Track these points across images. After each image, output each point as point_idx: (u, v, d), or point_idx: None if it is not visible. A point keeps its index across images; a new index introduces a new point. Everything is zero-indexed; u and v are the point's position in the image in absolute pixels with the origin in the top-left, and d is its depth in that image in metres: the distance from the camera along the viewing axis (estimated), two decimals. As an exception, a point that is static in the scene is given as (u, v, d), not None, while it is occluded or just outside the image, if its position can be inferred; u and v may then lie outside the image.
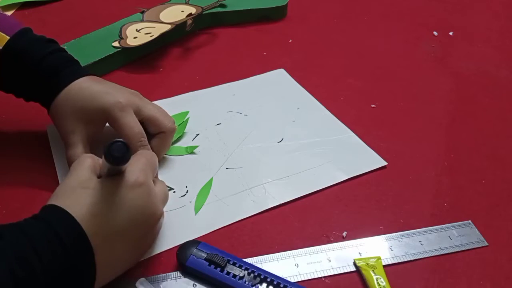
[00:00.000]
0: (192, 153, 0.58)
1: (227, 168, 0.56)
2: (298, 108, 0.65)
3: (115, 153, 0.39)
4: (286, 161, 0.57)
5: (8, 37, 0.54)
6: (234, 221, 0.50)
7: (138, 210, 0.42)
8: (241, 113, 0.64)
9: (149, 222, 0.44)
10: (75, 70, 0.54)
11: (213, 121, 0.63)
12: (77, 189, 0.41)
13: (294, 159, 0.57)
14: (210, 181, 0.54)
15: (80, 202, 0.40)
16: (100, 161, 0.45)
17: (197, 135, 0.61)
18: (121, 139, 0.39)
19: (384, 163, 0.56)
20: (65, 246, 0.37)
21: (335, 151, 0.58)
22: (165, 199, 0.47)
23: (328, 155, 0.58)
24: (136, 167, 0.43)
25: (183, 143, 0.60)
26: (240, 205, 0.52)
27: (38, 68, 0.53)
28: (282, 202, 0.52)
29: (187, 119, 0.63)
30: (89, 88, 0.53)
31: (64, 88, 0.53)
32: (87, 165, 0.43)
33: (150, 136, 0.55)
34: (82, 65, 0.57)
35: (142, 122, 0.53)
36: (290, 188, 0.54)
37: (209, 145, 0.59)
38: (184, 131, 0.61)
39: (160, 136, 0.55)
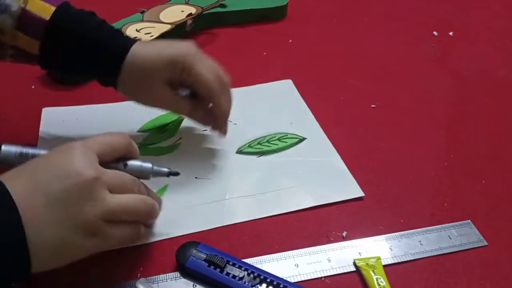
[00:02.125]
0: (171, 152, 0.58)
1: (196, 178, 0.55)
2: (291, 123, 0.63)
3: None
4: (258, 178, 0.55)
5: (53, 7, 0.51)
6: (181, 234, 0.48)
7: (60, 167, 0.38)
8: (231, 122, 0.61)
9: (74, 181, 0.38)
10: (125, 38, 0.53)
11: (201, 126, 0.62)
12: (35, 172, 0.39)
13: (267, 177, 0.55)
14: (164, 188, 0.53)
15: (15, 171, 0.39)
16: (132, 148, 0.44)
17: (180, 138, 0.60)
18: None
19: (361, 194, 0.53)
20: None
21: (313, 174, 0.55)
22: (90, 163, 0.40)
23: (304, 177, 0.55)
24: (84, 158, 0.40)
25: (164, 144, 0.59)
26: (192, 218, 0.50)
27: (93, 38, 0.51)
28: (238, 221, 0.50)
29: (181, 118, 0.62)
30: (150, 48, 0.52)
31: (125, 57, 0.51)
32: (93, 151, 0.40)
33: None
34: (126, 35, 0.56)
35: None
36: (251, 208, 0.51)
37: (187, 151, 0.58)
38: (179, 129, 0.61)
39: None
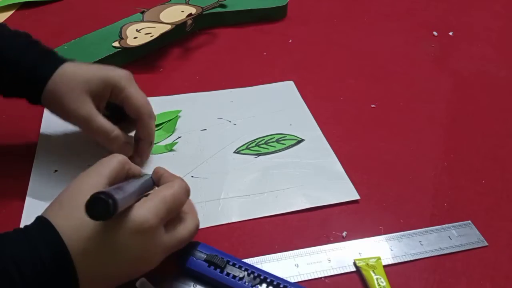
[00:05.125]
0: (171, 150, 0.58)
1: (192, 176, 0.55)
2: (290, 125, 0.62)
3: (92, 211, 0.35)
4: (255, 178, 0.55)
5: None
6: None
7: (134, 256, 0.39)
8: (230, 122, 0.62)
9: (143, 268, 0.41)
10: (58, 57, 0.53)
11: (200, 125, 0.62)
12: (79, 212, 0.36)
13: (264, 177, 0.55)
14: None
15: (78, 231, 0.37)
16: (131, 167, 0.44)
17: (179, 137, 0.60)
18: (104, 193, 0.35)
19: (357, 197, 0.53)
20: (50, 278, 0.36)
21: (309, 176, 0.55)
22: (175, 246, 0.42)
23: (301, 178, 0.55)
24: (149, 207, 0.39)
25: (162, 143, 0.59)
26: None
27: (21, 59, 0.51)
28: (232, 221, 0.50)
29: (177, 117, 0.63)
30: (85, 67, 0.52)
31: (57, 69, 0.51)
32: (107, 172, 0.41)
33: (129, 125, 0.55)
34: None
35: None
36: (246, 208, 0.51)
37: (186, 150, 0.59)
38: (175, 128, 0.61)
39: (141, 124, 0.54)
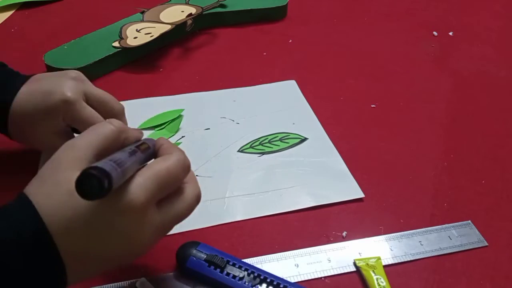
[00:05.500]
0: None
1: (196, 175, 0.54)
2: (293, 123, 0.63)
3: (83, 189, 0.31)
4: (259, 177, 0.55)
5: None
6: (179, 231, 0.48)
7: (121, 238, 0.35)
8: (233, 121, 0.62)
9: (133, 251, 0.37)
10: (11, 85, 0.50)
11: (203, 125, 0.62)
12: (60, 188, 0.34)
13: (268, 176, 0.55)
14: None
15: (59, 210, 0.34)
16: (128, 133, 0.39)
17: (182, 137, 0.60)
18: (95, 168, 0.31)
19: (361, 195, 0.53)
20: (31, 261, 0.33)
21: (314, 174, 0.55)
22: (170, 225, 0.38)
23: (305, 177, 0.55)
24: (139, 183, 0.35)
25: None
26: (192, 215, 0.50)
27: None
28: (237, 220, 0.50)
29: (180, 117, 0.63)
30: (31, 95, 0.48)
31: (10, 108, 0.48)
32: (93, 142, 0.36)
33: None
34: (22, 75, 0.52)
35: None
36: (251, 207, 0.52)
37: (189, 149, 0.58)
38: (179, 127, 0.61)
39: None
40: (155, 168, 0.36)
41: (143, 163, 0.38)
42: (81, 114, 0.47)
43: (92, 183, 0.31)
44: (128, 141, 0.40)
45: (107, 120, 0.39)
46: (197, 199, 0.40)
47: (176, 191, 0.38)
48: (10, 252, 0.33)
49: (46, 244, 0.33)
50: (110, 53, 0.71)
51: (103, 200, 0.33)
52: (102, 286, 0.43)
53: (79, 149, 0.36)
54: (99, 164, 0.31)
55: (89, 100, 0.48)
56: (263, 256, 0.47)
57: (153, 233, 0.37)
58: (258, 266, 0.45)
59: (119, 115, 0.50)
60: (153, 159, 0.40)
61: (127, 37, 0.75)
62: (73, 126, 0.49)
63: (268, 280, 0.43)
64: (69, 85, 0.47)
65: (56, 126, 0.48)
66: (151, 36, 0.73)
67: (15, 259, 0.33)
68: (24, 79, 0.50)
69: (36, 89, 0.49)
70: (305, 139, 0.60)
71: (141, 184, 0.35)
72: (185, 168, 0.39)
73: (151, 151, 0.41)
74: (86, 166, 0.33)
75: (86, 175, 0.31)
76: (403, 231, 0.50)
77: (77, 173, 0.31)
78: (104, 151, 0.37)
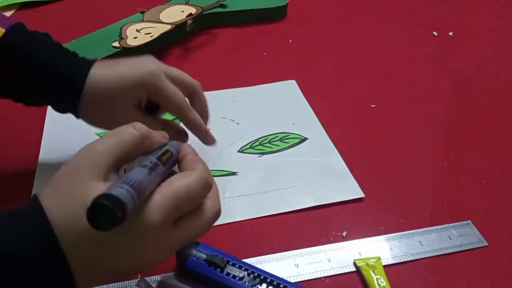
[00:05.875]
0: None
1: None
2: (293, 123, 0.63)
3: (95, 221, 0.29)
4: (259, 177, 0.55)
5: (3, 30, 0.47)
6: None
7: (134, 258, 0.34)
8: (233, 121, 0.62)
9: (145, 268, 0.35)
10: (86, 61, 0.50)
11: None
12: (73, 200, 0.32)
13: (268, 176, 0.55)
14: None
15: (72, 224, 0.32)
16: (152, 139, 0.37)
17: None
18: (107, 196, 0.28)
19: (361, 195, 0.53)
20: (39, 271, 0.32)
21: (314, 174, 0.55)
22: (184, 242, 0.36)
23: (305, 177, 0.55)
24: (156, 203, 0.33)
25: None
26: None
27: (48, 65, 0.48)
28: (237, 220, 0.50)
29: None
30: (112, 71, 0.48)
31: (89, 73, 0.48)
32: (112, 150, 0.34)
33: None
34: (81, 57, 0.52)
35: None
36: (251, 207, 0.51)
37: None
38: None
39: (193, 99, 0.52)
40: (175, 186, 0.34)
41: (164, 175, 0.36)
42: (166, 86, 0.48)
43: (104, 214, 0.28)
44: (151, 148, 0.37)
45: (131, 124, 0.36)
46: (216, 216, 0.37)
47: (195, 207, 0.36)
48: (20, 264, 0.32)
49: (56, 257, 0.32)
50: (110, 53, 0.71)
51: None
52: (102, 286, 0.43)
53: (99, 155, 0.34)
54: (113, 190, 0.29)
55: (168, 77, 0.50)
56: (263, 256, 0.47)
57: (167, 250, 0.35)
58: (258, 266, 0.45)
59: (196, 89, 0.52)
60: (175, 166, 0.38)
61: (127, 37, 0.75)
62: (156, 100, 0.50)
63: (268, 280, 0.43)
64: (152, 60, 0.50)
65: (137, 99, 0.49)
66: (151, 36, 0.73)
67: (24, 271, 0.32)
68: (89, 60, 0.50)
69: (117, 65, 0.50)
70: (305, 139, 0.60)
71: (159, 203, 0.33)
72: (207, 186, 0.36)
73: (174, 159, 0.38)
74: (104, 174, 0.33)
75: (98, 205, 0.28)
76: (403, 231, 0.50)
77: (94, 184, 0.31)
78: (124, 158, 0.35)
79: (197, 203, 0.36)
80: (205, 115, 0.54)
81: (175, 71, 0.51)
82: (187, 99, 0.51)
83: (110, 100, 0.48)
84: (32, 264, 0.32)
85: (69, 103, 0.50)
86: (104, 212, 0.28)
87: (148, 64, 0.49)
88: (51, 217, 0.32)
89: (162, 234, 0.34)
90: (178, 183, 0.34)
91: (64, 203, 0.33)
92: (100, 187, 0.32)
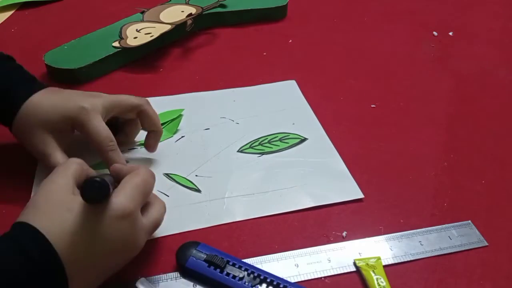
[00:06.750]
0: (176, 132, 0.60)
1: (196, 175, 0.55)
2: (293, 124, 0.63)
3: (90, 193, 0.37)
4: (259, 177, 0.55)
5: None
6: (179, 231, 0.49)
7: (120, 242, 0.40)
8: (233, 121, 0.62)
9: (129, 253, 0.42)
10: (31, 86, 0.53)
11: (203, 125, 0.62)
12: (58, 209, 0.39)
13: (268, 176, 0.55)
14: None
15: (61, 227, 0.38)
16: (88, 168, 0.45)
17: (182, 137, 0.60)
18: (98, 177, 0.37)
19: (361, 195, 0.53)
20: (37, 274, 0.36)
21: (313, 174, 0.55)
22: (153, 228, 0.45)
23: (305, 177, 0.55)
24: (125, 193, 0.41)
25: (165, 142, 0.59)
26: (192, 216, 0.50)
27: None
28: (237, 220, 0.50)
29: (180, 116, 0.63)
30: (49, 99, 0.51)
31: (22, 104, 0.51)
32: (70, 173, 0.42)
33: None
34: (39, 82, 0.55)
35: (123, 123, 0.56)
36: (251, 207, 0.51)
37: (189, 149, 0.59)
38: (178, 128, 0.61)
39: (141, 117, 0.55)
40: (134, 181, 0.43)
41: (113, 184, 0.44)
42: (92, 123, 0.50)
43: (95, 188, 0.37)
44: (89, 174, 0.45)
45: (70, 159, 0.44)
46: (164, 209, 0.46)
47: (148, 203, 0.45)
48: (19, 275, 0.35)
49: (52, 261, 0.37)
50: (110, 53, 0.71)
51: (99, 212, 0.39)
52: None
53: (60, 179, 0.41)
54: (97, 177, 0.37)
55: (113, 108, 0.53)
56: (263, 256, 0.47)
57: (143, 235, 0.42)
58: (258, 266, 0.45)
59: (142, 108, 0.54)
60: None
61: (127, 37, 0.75)
62: (83, 135, 0.51)
63: (268, 280, 0.43)
64: (92, 96, 0.52)
65: (59, 130, 0.51)
66: (151, 36, 0.73)
67: (23, 279, 0.35)
68: (41, 86, 0.53)
69: (57, 95, 0.53)
70: (305, 139, 0.60)
71: (127, 194, 0.41)
72: (153, 176, 0.45)
73: (111, 178, 0.45)
74: (74, 190, 0.40)
75: (90, 181, 0.37)
76: (403, 231, 0.50)
77: (70, 195, 0.39)
78: (76, 181, 0.42)
79: (151, 190, 0.45)
80: (157, 130, 0.56)
81: (115, 100, 0.53)
82: (114, 140, 0.51)
83: (32, 129, 0.51)
84: (32, 275, 0.36)
85: (4, 121, 0.54)
86: (95, 186, 0.37)
87: (83, 100, 0.51)
88: (42, 229, 0.37)
89: (137, 220, 0.41)
90: (135, 179, 0.43)
91: (48, 215, 0.39)
92: (75, 197, 0.39)
